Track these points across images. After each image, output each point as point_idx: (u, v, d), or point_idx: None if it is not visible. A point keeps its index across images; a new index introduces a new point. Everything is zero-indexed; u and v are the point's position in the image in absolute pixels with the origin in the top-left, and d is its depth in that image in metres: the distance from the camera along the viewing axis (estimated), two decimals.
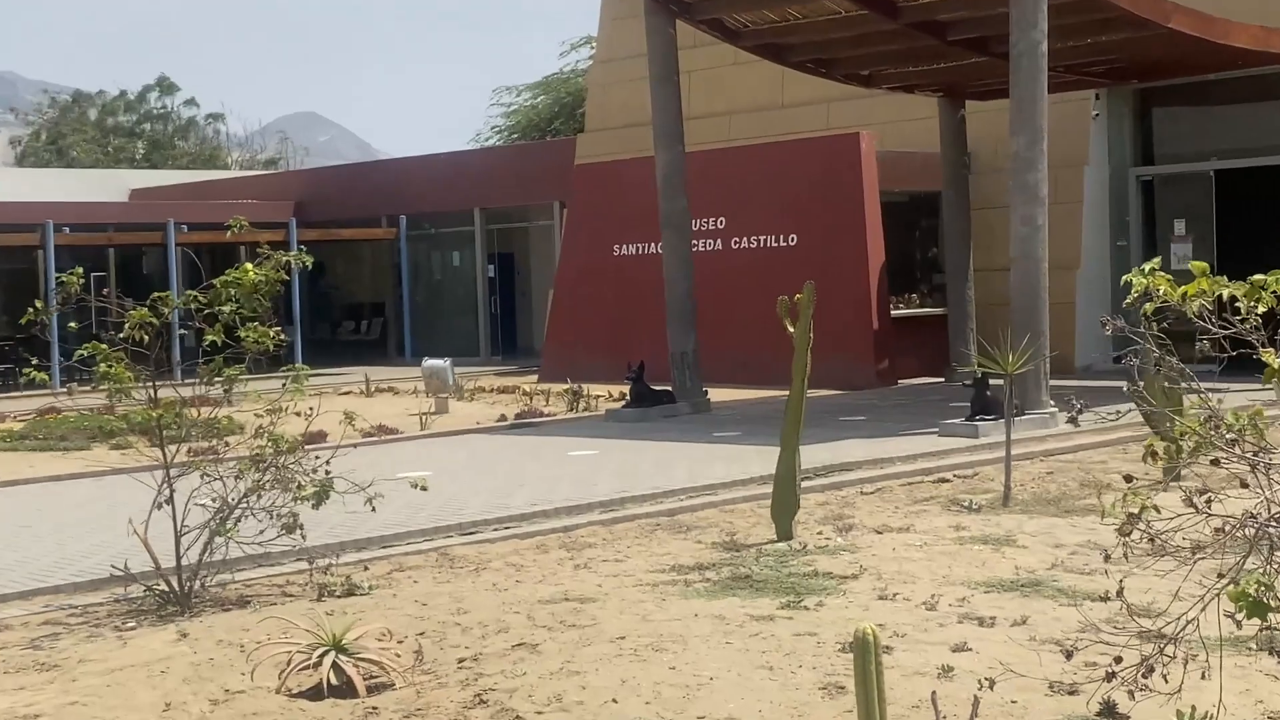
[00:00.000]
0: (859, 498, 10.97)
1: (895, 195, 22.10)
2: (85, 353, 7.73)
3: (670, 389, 17.50)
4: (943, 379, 20.83)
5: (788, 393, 9.15)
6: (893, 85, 20.52)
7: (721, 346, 20.77)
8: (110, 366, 7.75)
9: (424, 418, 17.73)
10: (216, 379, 8.00)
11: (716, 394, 18.23)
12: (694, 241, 23.46)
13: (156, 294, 7.91)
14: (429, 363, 20.14)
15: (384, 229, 31.80)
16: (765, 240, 22.04)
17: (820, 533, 9.36)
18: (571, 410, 18.72)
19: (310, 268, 8.14)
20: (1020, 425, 13.27)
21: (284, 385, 8.16)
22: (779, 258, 21.76)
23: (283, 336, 8.04)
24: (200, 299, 7.90)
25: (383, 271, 34.07)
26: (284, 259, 7.98)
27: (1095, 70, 19.71)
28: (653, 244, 23.35)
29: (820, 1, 17.18)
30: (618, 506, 10.74)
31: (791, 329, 9.13)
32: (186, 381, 8.21)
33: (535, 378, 24.16)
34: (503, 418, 18.08)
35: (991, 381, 13.96)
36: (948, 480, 11.54)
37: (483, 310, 31.31)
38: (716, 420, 16.85)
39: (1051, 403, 14.50)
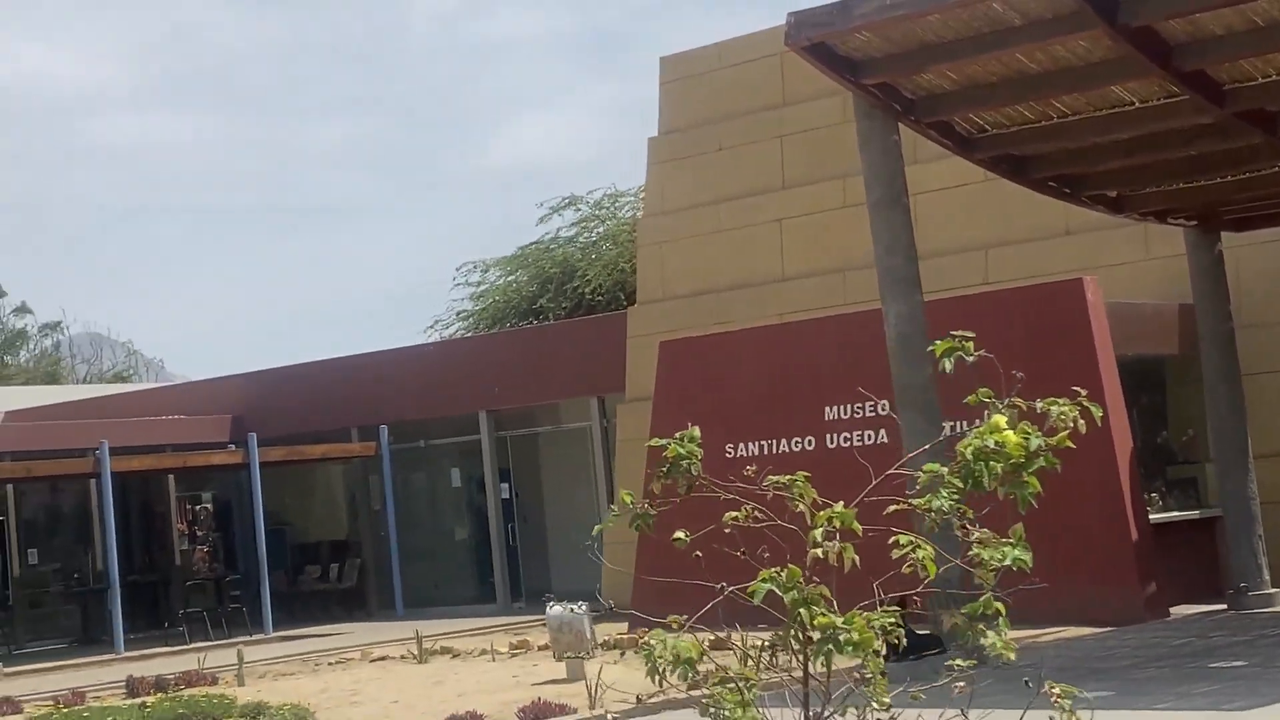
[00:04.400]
0: None
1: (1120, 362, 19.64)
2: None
3: (931, 633, 14.67)
4: (1225, 605, 18.23)
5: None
6: (1146, 210, 18.21)
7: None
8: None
9: (594, 688, 14.52)
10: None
11: None
12: (843, 434, 20.95)
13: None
14: (556, 611, 17.06)
15: (360, 444, 28.64)
16: (953, 428, 19.26)
17: None
18: (772, 668, 15.74)
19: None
20: None
21: None
22: None
23: None
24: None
25: (352, 499, 30.79)
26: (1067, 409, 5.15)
27: None
28: (783, 440, 20.71)
29: (1104, 91, 14.86)
30: None
31: None
32: None
33: (624, 627, 21.16)
34: (696, 683, 14.97)
35: None
36: None
37: (498, 545, 28.11)
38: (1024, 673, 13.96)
39: None
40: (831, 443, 20.56)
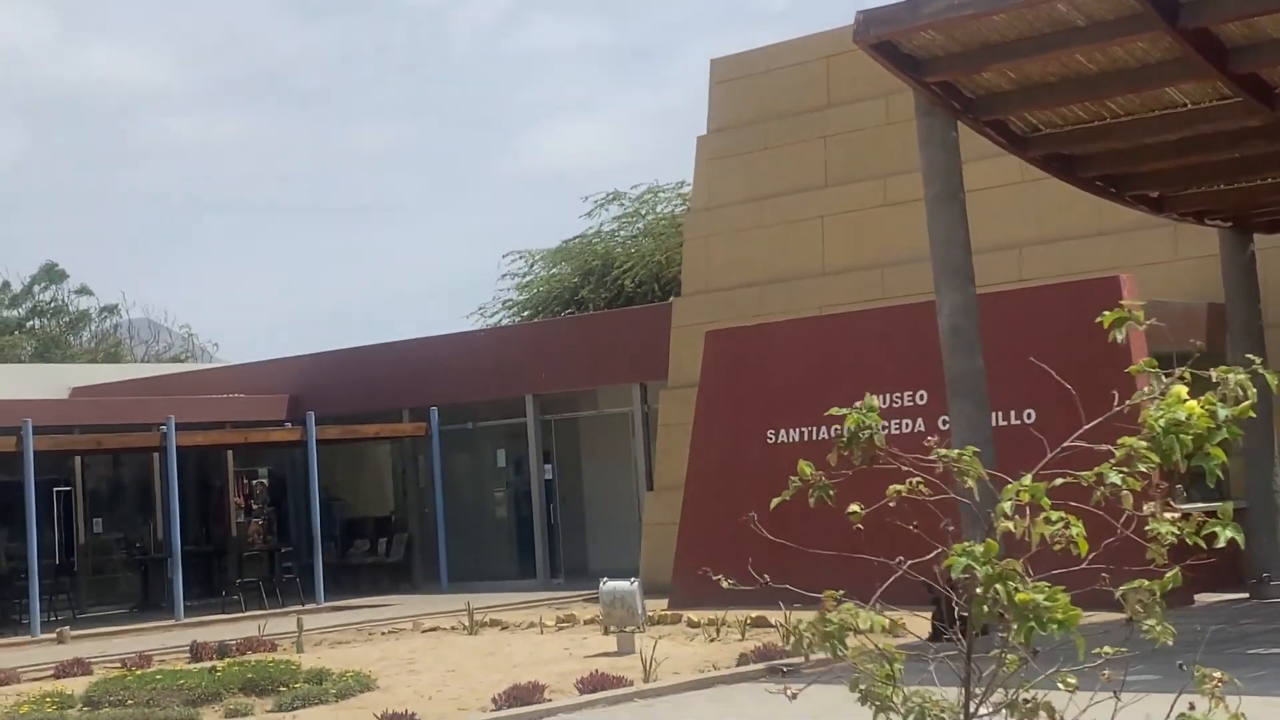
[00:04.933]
0: None
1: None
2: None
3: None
4: (1247, 595, 17.78)
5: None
6: (1185, 211, 17.73)
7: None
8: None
9: (649, 661, 14.07)
10: None
11: None
12: (881, 423, 20.50)
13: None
14: (611, 585, 16.62)
15: (410, 424, 28.22)
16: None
17: None
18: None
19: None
20: None
21: None
22: (1007, 439, 18.55)
23: None
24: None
25: (401, 477, 30.38)
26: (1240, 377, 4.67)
27: None
28: (824, 427, 20.23)
29: (1158, 92, 14.38)
30: None
31: None
32: None
33: (665, 604, 20.70)
34: (744, 658, 14.56)
35: None
36: None
37: (539, 523, 27.67)
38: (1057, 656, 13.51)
39: None
40: None
